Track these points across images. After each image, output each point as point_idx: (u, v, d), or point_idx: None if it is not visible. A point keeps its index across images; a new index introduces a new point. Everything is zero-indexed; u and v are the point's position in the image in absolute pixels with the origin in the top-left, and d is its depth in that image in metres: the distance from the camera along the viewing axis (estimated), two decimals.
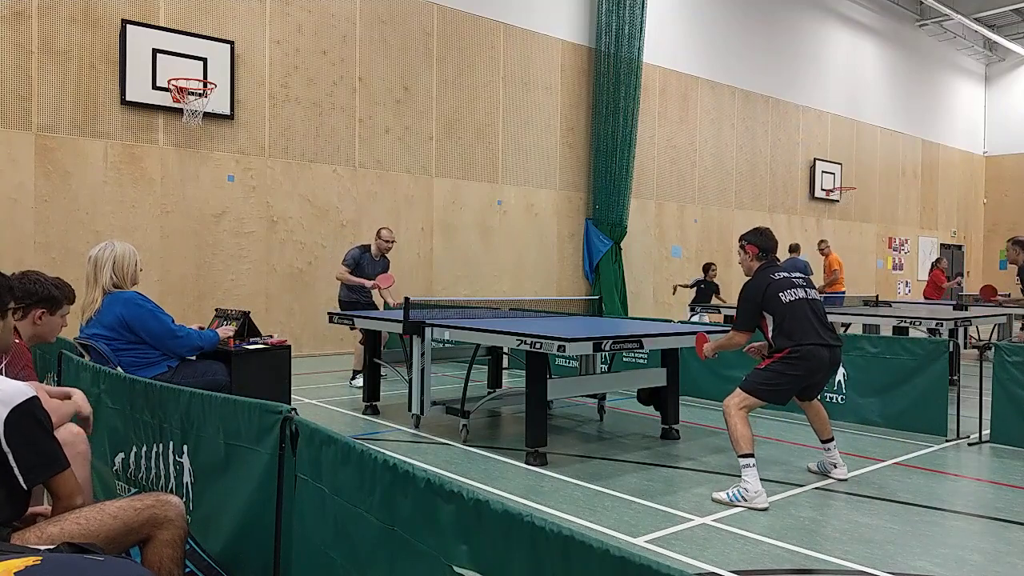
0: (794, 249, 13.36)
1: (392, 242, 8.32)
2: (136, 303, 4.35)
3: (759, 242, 4.84)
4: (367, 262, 8.20)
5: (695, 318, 11.47)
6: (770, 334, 4.61)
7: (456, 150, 12.31)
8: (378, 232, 8.30)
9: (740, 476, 4.30)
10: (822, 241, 14.43)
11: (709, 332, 5.29)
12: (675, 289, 13.75)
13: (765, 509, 4.16)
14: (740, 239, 4.94)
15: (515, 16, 13.02)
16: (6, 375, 2.38)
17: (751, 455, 4.30)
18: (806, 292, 4.65)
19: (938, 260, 15.02)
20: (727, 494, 4.28)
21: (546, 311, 7.92)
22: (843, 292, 13.40)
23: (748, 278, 4.83)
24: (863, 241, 20.39)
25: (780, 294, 4.58)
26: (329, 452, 2.27)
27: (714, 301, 12.72)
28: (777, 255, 4.89)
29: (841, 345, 4.75)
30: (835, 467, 4.83)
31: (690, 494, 4.45)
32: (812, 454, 5.46)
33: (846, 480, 4.76)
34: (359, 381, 7.93)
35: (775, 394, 4.56)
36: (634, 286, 14.77)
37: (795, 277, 4.72)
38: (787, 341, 4.49)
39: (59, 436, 2.77)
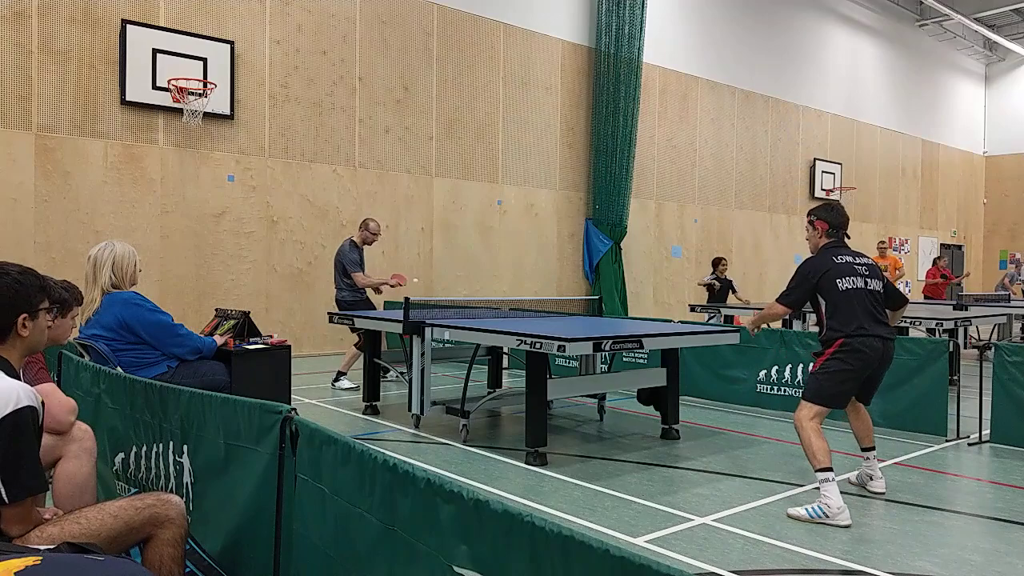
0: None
1: (379, 235, 8.19)
2: (135, 303, 4.35)
3: (830, 218, 4.57)
4: (362, 257, 8.14)
5: (713, 322, 10.99)
6: (824, 319, 4.40)
7: (456, 150, 12.31)
8: (365, 223, 8.12)
9: (826, 507, 3.98)
10: (881, 242, 14.20)
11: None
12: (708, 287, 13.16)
13: (848, 527, 3.91)
14: (809, 214, 4.68)
15: (515, 16, 13.02)
16: (24, 379, 2.36)
17: (830, 468, 4.05)
18: (866, 282, 4.40)
19: (938, 258, 15.06)
20: (807, 510, 4.02)
21: (546, 311, 7.92)
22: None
23: (811, 255, 4.60)
24: (863, 241, 20.37)
25: (839, 280, 4.34)
26: (329, 452, 2.27)
27: (731, 300, 12.33)
28: (848, 233, 4.65)
29: (894, 339, 4.51)
30: (871, 479, 4.56)
31: (690, 494, 4.45)
32: None
33: (883, 494, 4.48)
34: (344, 383, 7.92)
35: (841, 396, 4.33)
36: (634, 286, 14.76)
37: (859, 264, 4.46)
38: (838, 332, 4.31)
39: (68, 432, 2.79)
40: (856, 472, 4.78)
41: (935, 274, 14.93)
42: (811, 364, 4.52)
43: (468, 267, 12.50)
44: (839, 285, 4.35)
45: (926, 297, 15.11)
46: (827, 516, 3.95)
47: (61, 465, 2.72)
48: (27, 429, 2.12)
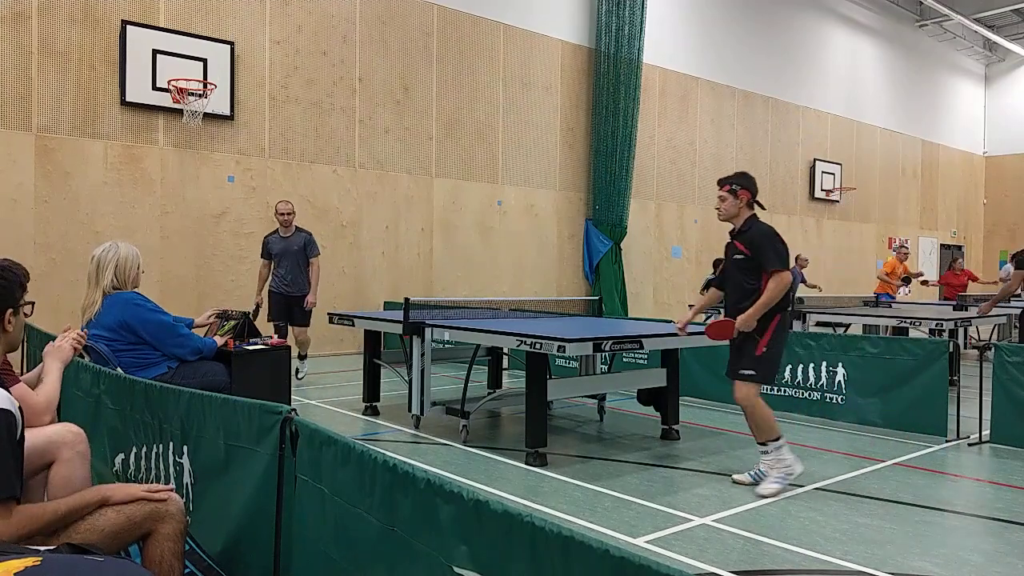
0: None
1: (287, 214, 7.91)
2: (135, 303, 4.35)
3: (752, 187, 4.60)
4: (275, 243, 8.01)
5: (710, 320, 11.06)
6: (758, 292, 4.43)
7: (456, 150, 12.31)
8: (275, 206, 8.10)
9: (771, 461, 4.39)
10: (903, 246, 14.22)
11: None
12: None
13: (801, 472, 4.42)
14: (728, 181, 4.59)
15: (515, 16, 13.02)
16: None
17: (781, 435, 4.44)
18: None
19: (955, 260, 14.99)
20: (774, 485, 4.35)
21: (546, 311, 7.92)
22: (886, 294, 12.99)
23: (745, 226, 4.54)
24: (863, 241, 20.39)
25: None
26: (329, 452, 2.27)
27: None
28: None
29: None
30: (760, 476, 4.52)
31: (690, 494, 4.45)
32: (812, 454, 5.47)
33: (765, 497, 4.36)
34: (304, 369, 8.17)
35: (775, 370, 4.55)
36: (634, 286, 14.76)
37: None
38: (777, 307, 4.41)
39: (59, 436, 2.77)
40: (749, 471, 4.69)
41: (953, 278, 14.71)
42: (755, 345, 4.45)
43: (468, 267, 12.51)
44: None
45: (945, 299, 14.83)
46: (790, 475, 4.33)
47: (55, 469, 2.70)
48: None
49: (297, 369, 7.93)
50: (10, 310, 2.36)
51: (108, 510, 2.28)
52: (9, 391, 2.32)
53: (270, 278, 8.10)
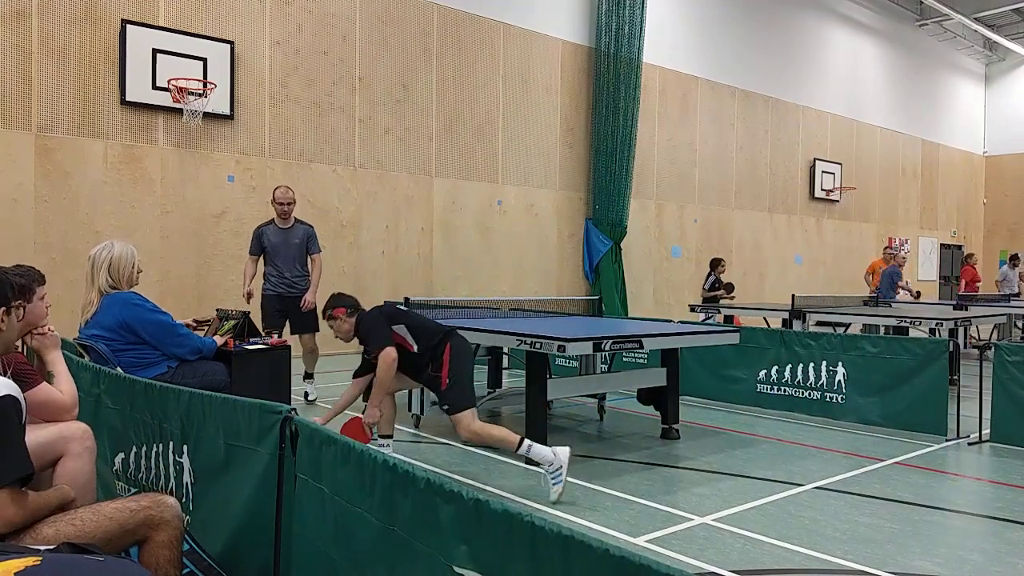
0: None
1: (287, 203, 6.94)
2: (134, 303, 4.35)
3: (347, 304, 4.85)
4: (270, 236, 6.98)
5: (711, 322, 10.96)
6: (415, 347, 4.66)
7: (456, 150, 12.31)
8: (272, 193, 7.14)
9: (549, 466, 4.19)
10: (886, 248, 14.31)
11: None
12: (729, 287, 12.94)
13: (567, 456, 4.20)
14: (327, 308, 4.85)
15: (515, 16, 13.01)
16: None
17: (523, 437, 4.30)
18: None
19: (969, 255, 15.01)
20: (556, 487, 4.18)
21: (546, 311, 7.92)
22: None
23: (359, 331, 4.78)
24: (863, 241, 20.39)
25: (399, 315, 4.82)
26: (329, 452, 2.27)
27: (723, 300, 12.43)
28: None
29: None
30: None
31: (690, 494, 4.45)
32: (812, 453, 5.47)
33: (557, 502, 4.24)
34: (310, 389, 7.17)
35: (467, 390, 4.57)
36: (634, 286, 14.76)
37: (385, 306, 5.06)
38: (441, 339, 4.63)
39: (69, 431, 2.79)
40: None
41: (973, 275, 14.78)
42: (439, 383, 4.59)
43: (468, 267, 12.50)
44: (407, 316, 4.83)
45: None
46: (562, 466, 4.17)
47: (63, 464, 2.72)
48: (7, 416, 2.13)
49: (306, 393, 7.08)
50: (2, 309, 2.39)
51: (101, 517, 2.27)
52: (33, 391, 2.39)
53: (264, 280, 7.04)
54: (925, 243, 22.53)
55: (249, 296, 7.01)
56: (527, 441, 4.28)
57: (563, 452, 4.21)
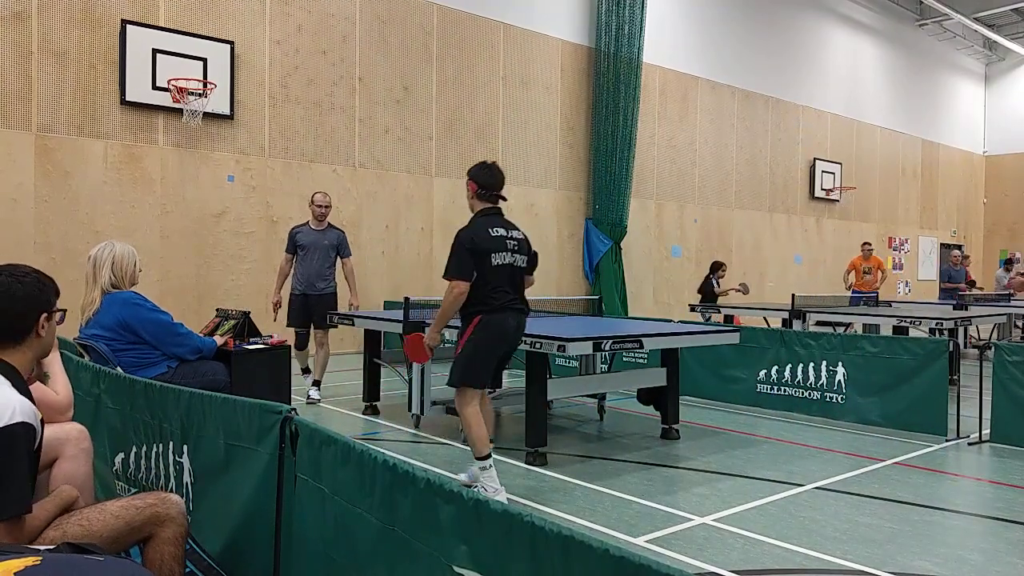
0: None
1: (324, 206, 7.32)
2: (134, 303, 4.35)
3: (480, 178, 4.39)
4: (304, 236, 7.27)
5: (710, 322, 10.94)
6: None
7: (456, 150, 12.31)
8: (311, 197, 7.47)
9: (481, 479, 4.13)
10: (866, 243, 14.49)
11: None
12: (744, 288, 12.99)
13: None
14: (468, 172, 4.47)
15: (515, 16, 13.01)
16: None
17: (488, 456, 4.18)
18: (514, 257, 4.35)
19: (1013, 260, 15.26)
20: (464, 476, 4.30)
21: (546, 311, 7.92)
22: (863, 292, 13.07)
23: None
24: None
25: (493, 255, 4.26)
26: (329, 452, 2.27)
27: (721, 300, 12.57)
28: (504, 195, 4.48)
29: (528, 312, 4.55)
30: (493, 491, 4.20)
31: (690, 494, 4.45)
32: (812, 453, 5.47)
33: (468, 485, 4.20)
34: (315, 393, 7.24)
35: (484, 371, 4.32)
36: (634, 286, 14.76)
37: (510, 238, 4.36)
38: (480, 306, 4.27)
39: (64, 432, 2.78)
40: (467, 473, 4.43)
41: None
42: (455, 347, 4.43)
43: None
44: (492, 260, 4.25)
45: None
46: (477, 482, 4.14)
47: (59, 465, 2.71)
48: (15, 447, 2.05)
49: (309, 394, 7.20)
50: (45, 314, 2.37)
51: (107, 516, 2.27)
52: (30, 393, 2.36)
53: (291, 277, 7.35)
54: (925, 243, 22.53)
55: (276, 306, 7.36)
56: (490, 463, 4.18)
57: (502, 497, 4.09)
